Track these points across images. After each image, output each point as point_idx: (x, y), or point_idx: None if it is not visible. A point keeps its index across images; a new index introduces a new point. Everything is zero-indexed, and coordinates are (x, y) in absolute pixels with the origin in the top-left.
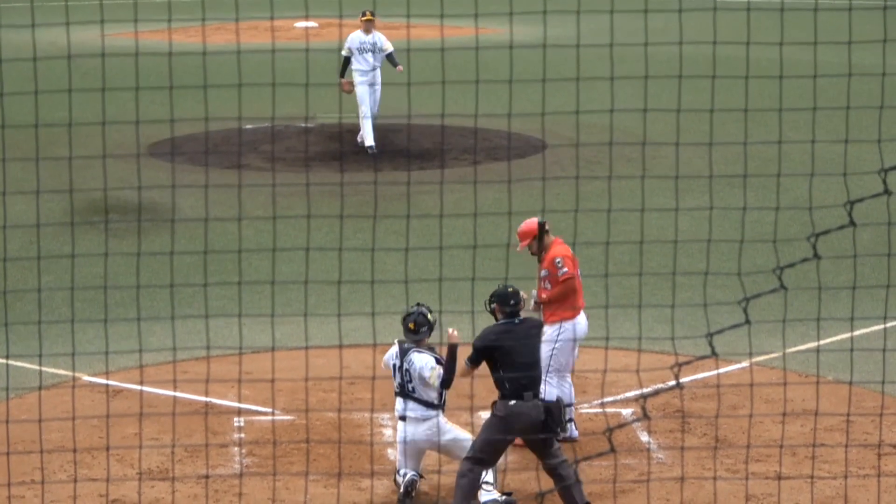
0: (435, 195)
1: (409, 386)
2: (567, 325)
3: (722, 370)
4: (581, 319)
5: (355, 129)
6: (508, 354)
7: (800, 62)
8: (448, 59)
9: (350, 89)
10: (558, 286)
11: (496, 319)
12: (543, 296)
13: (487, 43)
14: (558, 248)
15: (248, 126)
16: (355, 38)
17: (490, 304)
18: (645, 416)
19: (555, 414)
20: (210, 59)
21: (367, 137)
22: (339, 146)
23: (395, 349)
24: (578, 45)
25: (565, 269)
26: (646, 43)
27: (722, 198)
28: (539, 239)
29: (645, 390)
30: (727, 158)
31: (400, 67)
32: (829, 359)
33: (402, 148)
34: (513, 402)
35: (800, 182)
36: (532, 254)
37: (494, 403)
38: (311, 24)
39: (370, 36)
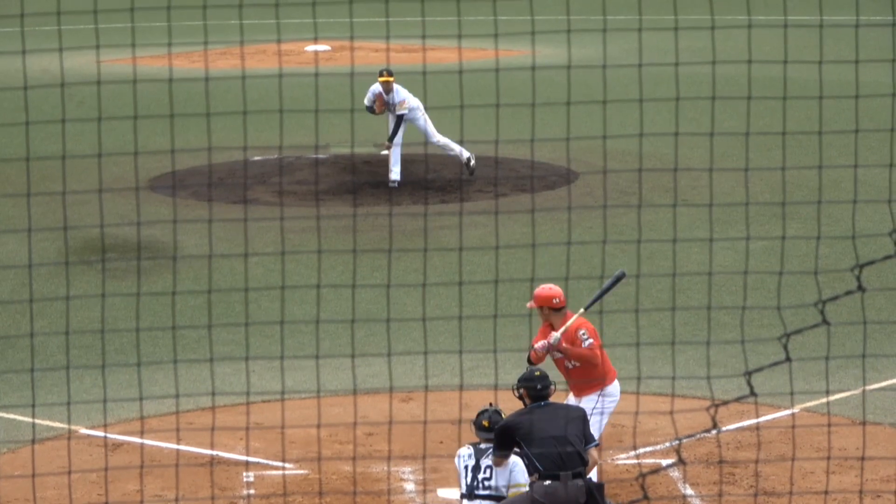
0: (455, 229)
1: (486, 483)
2: (608, 389)
3: (768, 416)
4: (616, 386)
5: (371, 160)
6: (529, 433)
7: (841, 82)
8: (467, 82)
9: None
10: (584, 352)
11: (524, 404)
12: (568, 365)
13: (509, 65)
14: (578, 321)
15: (255, 157)
16: (374, 90)
17: (518, 388)
18: (680, 460)
19: (597, 497)
20: (214, 85)
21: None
22: (352, 178)
23: (467, 450)
24: (605, 66)
25: (591, 341)
26: (676, 63)
27: (765, 229)
28: (556, 311)
29: (681, 437)
30: (772, 186)
31: (387, 144)
32: (883, 401)
33: (421, 179)
34: (548, 482)
35: (844, 210)
36: (542, 318)
37: (532, 484)
38: (324, 47)
39: (389, 96)
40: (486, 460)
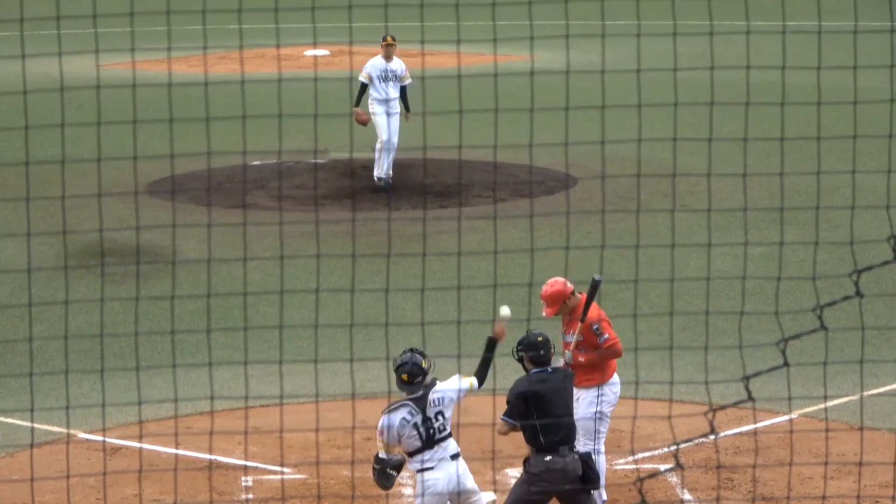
0: (454, 234)
1: (439, 425)
2: (605, 388)
3: (767, 422)
4: (616, 380)
5: (370, 164)
6: (543, 403)
7: (840, 88)
8: (466, 87)
9: (366, 119)
10: (597, 353)
11: (525, 369)
12: (581, 359)
13: (508, 70)
14: (591, 312)
15: (255, 162)
16: (376, 64)
17: (518, 352)
18: (678, 464)
19: (591, 468)
20: (213, 89)
21: (382, 167)
22: (351, 183)
23: (404, 410)
24: (603, 71)
25: (607, 336)
26: (675, 68)
27: (764, 234)
28: (580, 301)
29: (679, 442)
30: (771, 192)
31: (409, 115)
32: (881, 406)
33: (419, 184)
34: (549, 457)
35: (843, 215)
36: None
37: (527, 460)
38: (322, 52)
39: (392, 63)
40: (432, 409)
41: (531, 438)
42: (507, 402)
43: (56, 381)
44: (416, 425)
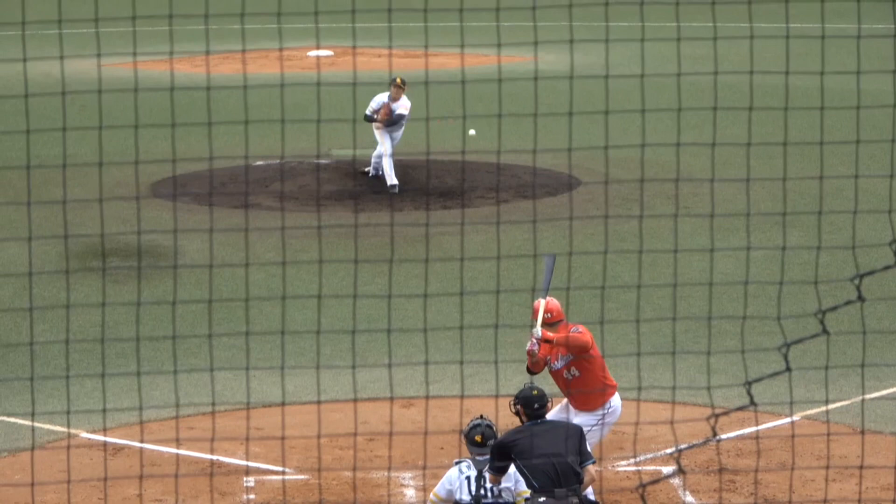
0: (457, 236)
1: (495, 490)
2: (611, 403)
3: (768, 424)
4: (618, 401)
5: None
6: (526, 451)
7: (843, 92)
8: (470, 90)
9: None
10: (571, 337)
11: (521, 421)
12: (575, 372)
13: (511, 73)
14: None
15: (257, 162)
16: (380, 100)
17: (514, 405)
18: (680, 470)
19: None
20: (216, 91)
21: (389, 177)
22: (354, 184)
23: (464, 464)
24: (608, 76)
25: (580, 328)
26: (679, 73)
27: (767, 237)
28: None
29: (681, 446)
30: (774, 195)
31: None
32: (883, 409)
33: (423, 185)
34: (542, 498)
35: (845, 219)
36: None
37: (526, 500)
38: (326, 52)
39: (396, 104)
40: (488, 472)
41: (525, 483)
42: (491, 453)
43: (58, 382)
44: (469, 478)
